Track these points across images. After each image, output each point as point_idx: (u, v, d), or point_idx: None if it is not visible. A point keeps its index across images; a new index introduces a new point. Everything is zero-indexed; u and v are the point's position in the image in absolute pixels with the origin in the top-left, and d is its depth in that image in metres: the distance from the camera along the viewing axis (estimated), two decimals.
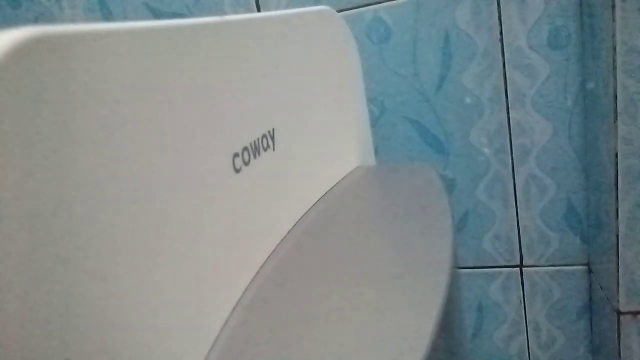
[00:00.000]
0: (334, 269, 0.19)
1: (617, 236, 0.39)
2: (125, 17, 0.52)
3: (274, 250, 0.21)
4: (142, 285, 0.14)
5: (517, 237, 0.48)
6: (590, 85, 0.40)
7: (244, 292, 0.19)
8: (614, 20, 0.35)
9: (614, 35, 0.35)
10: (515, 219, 0.47)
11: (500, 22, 0.43)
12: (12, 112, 0.10)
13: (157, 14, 0.51)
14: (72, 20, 0.54)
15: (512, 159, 0.46)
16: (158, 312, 0.14)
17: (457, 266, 0.21)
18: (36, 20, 0.55)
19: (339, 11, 0.46)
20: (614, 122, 0.37)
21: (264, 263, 0.21)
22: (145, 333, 0.14)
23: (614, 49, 0.35)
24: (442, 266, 0.18)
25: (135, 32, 0.14)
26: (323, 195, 0.25)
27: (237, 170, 0.20)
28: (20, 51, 0.10)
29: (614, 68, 0.35)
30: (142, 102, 0.14)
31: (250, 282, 0.19)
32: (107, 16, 0.52)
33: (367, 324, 0.16)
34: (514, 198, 0.47)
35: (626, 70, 0.35)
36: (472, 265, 0.50)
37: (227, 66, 0.19)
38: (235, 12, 0.49)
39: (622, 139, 0.37)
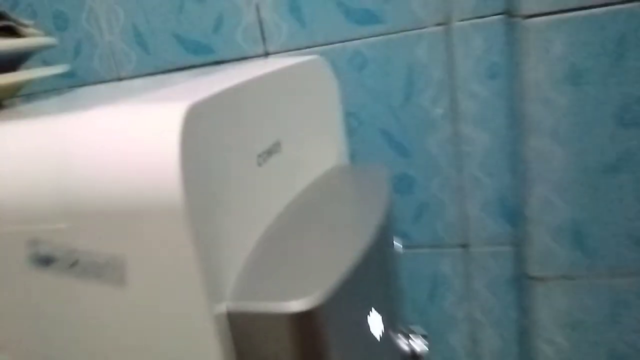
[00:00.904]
0: (301, 221, 0.32)
1: (527, 219, 0.52)
2: (155, 44, 0.64)
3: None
4: None
5: (464, 223, 0.61)
6: (513, 106, 0.53)
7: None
8: (521, 56, 0.48)
9: (519, 70, 0.48)
10: (462, 208, 0.60)
11: (452, 57, 0.55)
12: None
13: (182, 41, 0.63)
14: (110, 43, 0.66)
15: (457, 162, 0.58)
16: None
17: (387, 225, 0.33)
18: (79, 43, 0.67)
19: (328, 44, 0.58)
20: (524, 136, 0.50)
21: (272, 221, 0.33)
22: None
23: (523, 81, 0.48)
24: (370, 221, 0.30)
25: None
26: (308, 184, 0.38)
27: (259, 165, 0.32)
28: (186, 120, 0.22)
29: (524, 96, 0.48)
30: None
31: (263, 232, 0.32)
32: (140, 42, 0.65)
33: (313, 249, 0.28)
34: (461, 192, 0.60)
35: (531, 99, 0.48)
36: (428, 245, 0.62)
37: (261, 104, 0.31)
38: (245, 40, 0.61)
39: (529, 147, 0.50)
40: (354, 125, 0.60)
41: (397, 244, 0.38)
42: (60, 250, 0.23)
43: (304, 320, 0.23)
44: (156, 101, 0.24)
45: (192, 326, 0.23)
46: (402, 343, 0.37)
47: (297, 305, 0.23)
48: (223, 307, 0.23)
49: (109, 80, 0.68)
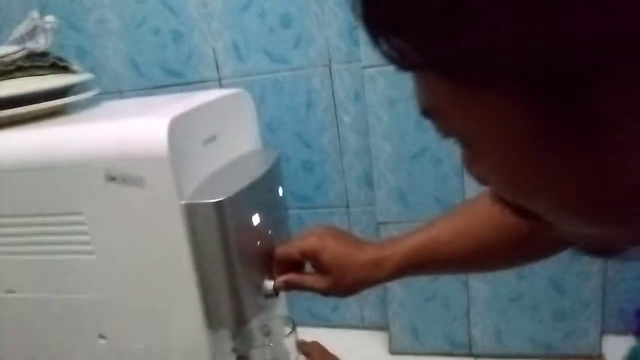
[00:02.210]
0: None
1: (375, 186, 0.85)
2: (145, 70, 0.95)
3: None
4: None
5: (344, 192, 0.93)
6: (367, 120, 0.86)
7: None
8: (365, 89, 0.80)
9: (363, 97, 0.81)
10: (343, 183, 0.93)
11: (332, 87, 0.88)
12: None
13: (163, 68, 0.94)
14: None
15: (340, 153, 0.91)
16: None
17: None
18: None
19: (258, 74, 0.90)
20: (369, 136, 0.82)
21: None
22: None
23: (365, 104, 0.81)
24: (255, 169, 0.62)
25: None
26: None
27: (204, 145, 0.63)
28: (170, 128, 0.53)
29: (367, 112, 0.81)
30: None
31: None
32: (135, 66, 0.95)
33: None
34: (342, 172, 0.92)
35: (371, 113, 0.81)
36: (324, 206, 0.95)
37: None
38: (206, 69, 0.92)
39: (372, 144, 0.83)
40: (275, 126, 0.92)
41: (281, 189, 0.69)
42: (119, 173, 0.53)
43: (218, 207, 0.54)
44: (156, 114, 0.56)
45: (165, 215, 0.54)
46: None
47: (214, 199, 0.54)
48: (183, 201, 0.54)
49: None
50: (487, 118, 0.25)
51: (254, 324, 0.65)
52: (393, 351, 0.96)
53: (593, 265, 0.83)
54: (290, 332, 0.61)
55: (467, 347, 0.91)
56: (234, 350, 0.62)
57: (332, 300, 1.01)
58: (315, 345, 0.62)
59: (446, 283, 0.89)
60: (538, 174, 0.25)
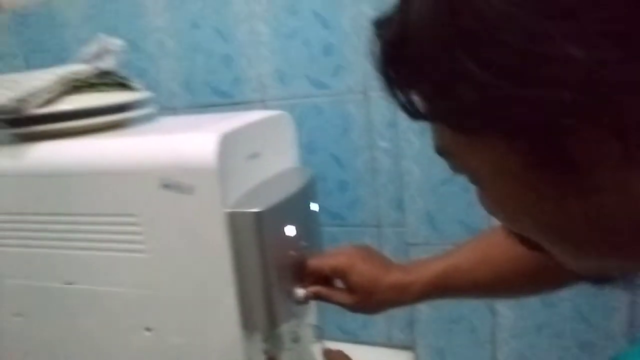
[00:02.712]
0: None
1: (405, 209, 0.89)
2: (196, 88, 1.03)
3: None
4: None
5: (377, 212, 0.97)
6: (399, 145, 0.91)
7: None
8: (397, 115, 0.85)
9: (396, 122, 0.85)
10: (376, 202, 0.97)
11: (368, 112, 0.93)
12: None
13: (214, 89, 1.02)
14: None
15: (373, 174, 0.95)
16: None
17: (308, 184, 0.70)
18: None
19: (300, 98, 0.96)
20: (399, 159, 0.87)
21: None
22: None
23: (398, 130, 0.85)
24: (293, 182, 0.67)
25: None
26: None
27: (246, 161, 0.69)
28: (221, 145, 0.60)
29: (399, 137, 0.86)
30: None
31: None
32: (187, 86, 1.03)
33: None
34: (375, 193, 0.96)
35: (404, 139, 0.85)
36: (356, 225, 0.99)
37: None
38: (252, 91, 0.99)
39: (402, 167, 0.87)
40: (313, 147, 0.98)
41: (314, 204, 0.74)
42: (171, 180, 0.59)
43: (257, 216, 0.59)
44: (207, 130, 0.62)
45: (210, 221, 0.59)
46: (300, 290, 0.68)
47: (254, 209, 0.59)
48: (227, 209, 0.60)
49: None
50: (483, 160, 0.30)
51: (285, 330, 0.70)
52: None
53: (621, 298, 0.83)
54: (318, 339, 0.65)
55: None
56: (265, 352, 0.66)
57: (361, 317, 1.05)
58: (339, 353, 0.65)
59: (473, 307, 0.91)
60: (529, 211, 0.30)
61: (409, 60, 0.29)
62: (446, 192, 0.87)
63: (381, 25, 0.30)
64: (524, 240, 0.34)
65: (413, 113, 0.30)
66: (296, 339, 0.67)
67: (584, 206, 0.28)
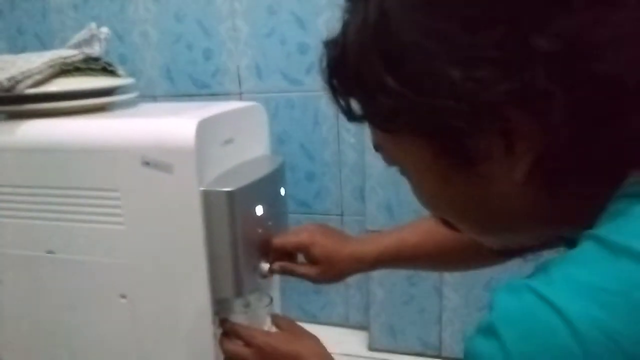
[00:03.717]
0: None
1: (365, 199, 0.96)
2: (178, 79, 1.07)
3: None
4: None
5: (341, 201, 1.04)
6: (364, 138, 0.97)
7: None
8: None
9: None
10: (340, 192, 1.03)
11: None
12: None
13: (195, 81, 1.06)
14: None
15: (339, 166, 1.02)
16: None
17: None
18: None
19: (275, 92, 1.02)
20: (364, 153, 0.93)
21: None
22: None
23: None
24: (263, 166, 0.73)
25: None
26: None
27: (222, 146, 0.74)
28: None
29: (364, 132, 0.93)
30: None
31: None
32: (169, 76, 1.08)
33: None
34: (340, 184, 1.03)
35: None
36: (321, 212, 1.05)
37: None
38: (230, 83, 1.05)
39: (365, 162, 0.94)
40: (285, 139, 1.04)
41: (282, 189, 0.80)
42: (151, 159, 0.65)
43: (229, 195, 0.65)
44: (187, 116, 0.67)
45: (186, 198, 0.65)
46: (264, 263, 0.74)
47: (227, 188, 0.65)
48: (202, 188, 0.65)
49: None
50: (406, 154, 0.37)
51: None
52: (371, 348, 1.05)
53: None
54: (267, 305, 0.70)
55: (437, 349, 1.00)
56: (215, 313, 0.70)
57: (320, 300, 1.11)
58: (285, 318, 0.71)
59: (422, 290, 0.99)
60: (441, 196, 0.37)
61: (345, 74, 0.36)
62: (403, 183, 0.94)
63: (327, 45, 0.37)
64: (444, 222, 0.41)
65: (351, 116, 0.37)
66: (246, 305, 0.72)
67: (476, 192, 0.35)
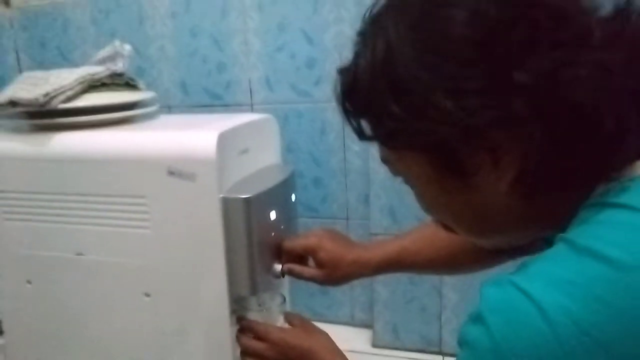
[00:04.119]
0: None
1: (370, 205, 1.01)
2: (192, 91, 1.13)
3: None
4: None
5: (346, 206, 1.10)
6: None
7: None
8: None
9: None
10: (345, 199, 1.09)
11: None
12: None
13: (209, 92, 1.13)
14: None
15: (344, 173, 1.08)
16: None
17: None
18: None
19: (284, 103, 1.08)
20: (369, 161, 0.99)
21: None
22: None
23: None
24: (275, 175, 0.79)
25: None
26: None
27: (238, 155, 0.80)
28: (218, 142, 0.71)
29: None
30: None
31: None
32: (183, 89, 1.14)
33: None
34: (345, 190, 1.09)
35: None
36: (327, 217, 1.11)
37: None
38: (242, 95, 1.11)
39: (371, 169, 0.99)
40: (294, 147, 1.10)
41: (293, 195, 0.85)
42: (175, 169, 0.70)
43: (245, 201, 0.71)
44: (208, 128, 0.73)
45: (207, 204, 0.71)
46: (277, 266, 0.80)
47: (244, 195, 0.71)
48: (221, 195, 0.71)
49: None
50: (409, 167, 0.43)
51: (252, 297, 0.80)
52: (375, 345, 1.10)
53: None
54: (280, 304, 0.76)
55: (437, 346, 1.06)
56: (233, 311, 0.76)
57: (327, 299, 1.17)
58: (297, 316, 0.77)
59: (423, 289, 1.05)
60: (439, 203, 0.43)
61: (357, 99, 0.42)
62: (406, 190, 0.99)
63: (341, 72, 0.44)
64: (443, 226, 0.47)
65: (361, 135, 0.43)
66: (261, 304, 0.77)
67: (469, 199, 0.41)
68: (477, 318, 0.35)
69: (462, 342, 0.37)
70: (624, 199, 0.36)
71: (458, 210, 0.43)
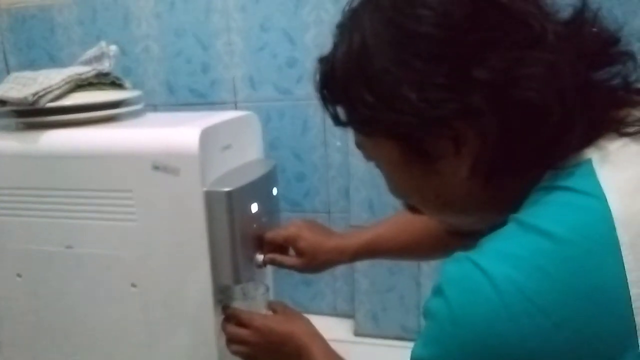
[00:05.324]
0: None
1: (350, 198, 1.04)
2: (178, 89, 1.15)
3: None
4: None
5: (327, 200, 1.12)
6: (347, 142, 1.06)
7: None
8: None
9: None
10: (327, 192, 1.12)
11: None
12: None
13: (193, 91, 1.14)
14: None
15: (326, 168, 1.11)
16: None
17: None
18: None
19: (267, 101, 1.10)
20: (348, 157, 1.02)
21: None
22: None
23: None
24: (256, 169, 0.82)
25: None
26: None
27: (221, 151, 0.82)
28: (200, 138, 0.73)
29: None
30: None
31: None
32: (170, 88, 1.16)
33: None
34: (327, 184, 1.12)
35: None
36: (310, 211, 1.14)
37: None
38: (226, 93, 1.13)
39: (351, 164, 1.02)
40: (276, 144, 1.12)
41: (274, 189, 0.88)
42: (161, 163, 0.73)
43: (228, 195, 0.73)
44: (191, 125, 0.75)
45: (190, 197, 0.73)
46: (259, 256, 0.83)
47: (226, 189, 0.73)
48: (205, 188, 0.73)
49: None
50: (379, 152, 0.46)
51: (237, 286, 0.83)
52: (357, 334, 1.13)
53: None
54: (264, 293, 0.78)
55: (416, 333, 1.09)
56: (219, 301, 0.78)
57: (310, 291, 1.20)
58: (280, 303, 0.79)
59: (402, 279, 1.08)
60: (407, 185, 0.46)
61: (334, 87, 0.45)
62: (383, 184, 1.02)
63: (320, 61, 0.46)
64: (410, 208, 0.50)
65: (337, 120, 0.46)
66: (246, 293, 0.80)
67: (434, 183, 0.44)
68: (437, 291, 0.38)
69: (426, 314, 0.40)
70: (568, 182, 0.39)
71: (424, 192, 0.46)
